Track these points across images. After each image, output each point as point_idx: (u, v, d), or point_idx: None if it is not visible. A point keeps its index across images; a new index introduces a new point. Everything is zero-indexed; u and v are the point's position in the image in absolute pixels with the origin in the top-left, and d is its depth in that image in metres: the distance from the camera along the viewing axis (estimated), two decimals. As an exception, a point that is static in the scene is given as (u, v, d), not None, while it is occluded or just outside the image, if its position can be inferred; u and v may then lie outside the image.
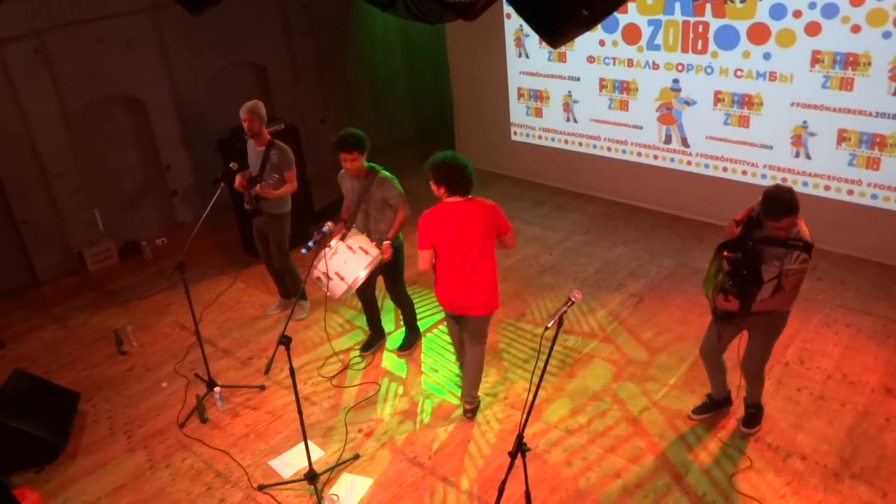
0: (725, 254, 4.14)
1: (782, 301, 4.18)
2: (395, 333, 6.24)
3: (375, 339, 6.11)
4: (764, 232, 4.11)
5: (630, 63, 7.59)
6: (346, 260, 5.12)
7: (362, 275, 5.15)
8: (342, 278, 5.12)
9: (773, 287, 4.16)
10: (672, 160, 7.71)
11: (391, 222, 5.44)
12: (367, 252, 5.18)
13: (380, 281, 5.83)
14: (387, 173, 5.43)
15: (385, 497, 4.60)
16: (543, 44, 8.28)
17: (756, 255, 4.10)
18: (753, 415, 4.80)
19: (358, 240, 5.23)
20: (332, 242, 5.10)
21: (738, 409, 4.96)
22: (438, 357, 5.92)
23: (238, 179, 6.13)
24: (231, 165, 5.94)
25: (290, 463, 4.93)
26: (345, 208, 5.67)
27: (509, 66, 8.71)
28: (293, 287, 6.57)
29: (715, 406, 4.94)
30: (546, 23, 2.63)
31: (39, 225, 7.64)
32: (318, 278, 5.19)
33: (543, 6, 2.57)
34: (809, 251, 4.03)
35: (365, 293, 5.82)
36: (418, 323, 6.17)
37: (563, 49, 8.09)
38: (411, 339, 6.04)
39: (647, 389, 5.30)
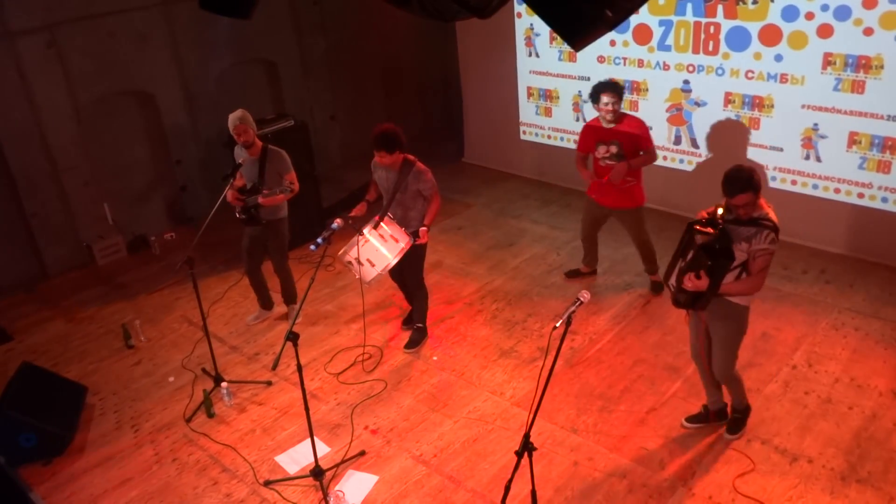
0: (697, 227, 4.12)
1: (748, 286, 4.14)
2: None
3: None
4: (734, 216, 4.14)
5: (640, 63, 7.57)
6: (377, 248, 5.39)
7: (393, 262, 5.39)
8: (373, 265, 5.39)
9: (738, 274, 4.15)
10: (681, 161, 7.69)
11: (422, 210, 5.63)
12: (397, 241, 5.42)
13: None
14: (421, 165, 5.57)
15: (390, 494, 4.60)
16: (554, 43, 8.28)
17: (727, 234, 4.10)
18: (738, 419, 4.75)
19: (389, 229, 5.46)
20: (364, 231, 5.39)
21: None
22: (445, 355, 5.92)
23: (230, 194, 5.86)
24: (240, 161, 5.93)
25: (296, 459, 4.94)
26: (371, 191, 5.85)
27: (519, 65, 8.70)
28: (287, 293, 6.50)
29: (709, 418, 4.89)
30: (568, 25, 2.62)
31: (49, 218, 7.67)
32: (350, 263, 5.47)
33: (566, 8, 2.56)
34: (777, 233, 4.06)
35: (401, 281, 6.09)
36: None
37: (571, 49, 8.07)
38: (417, 337, 6.05)
39: (653, 390, 5.29)
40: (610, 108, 5.81)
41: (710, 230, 4.09)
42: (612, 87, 5.84)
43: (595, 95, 5.88)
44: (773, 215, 4.12)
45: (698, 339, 4.59)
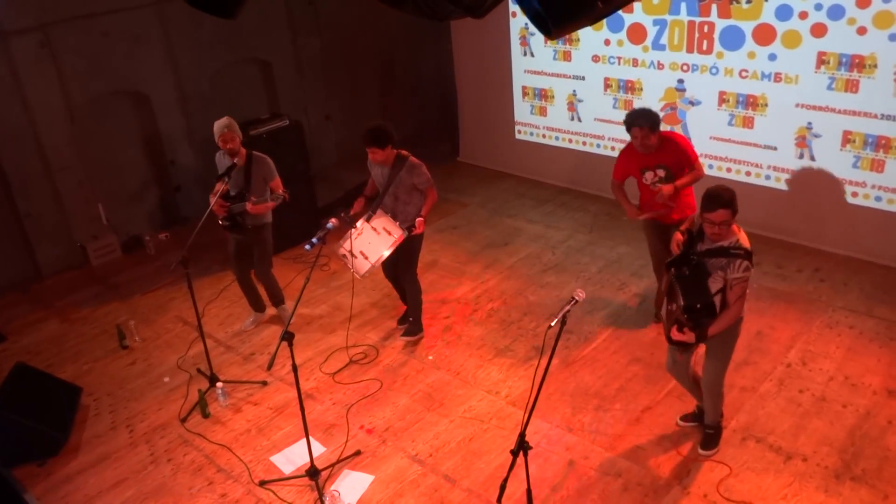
0: (674, 271, 4.17)
1: (729, 318, 4.16)
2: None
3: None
4: (706, 245, 4.17)
5: (635, 63, 7.58)
6: (371, 241, 5.43)
7: (385, 254, 5.43)
8: (366, 257, 5.42)
9: (720, 303, 4.16)
10: (676, 160, 7.70)
11: (419, 205, 5.67)
12: (390, 233, 5.46)
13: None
14: (415, 160, 5.60)
15: (386, 494, 4.60)
16: (549, 42, 8.28)
17: (703, 269, 4.14)
18: (711, 436, 4.71)
19: (382, 221, 5.50)
20: (358, 224, 5.46)
21: (738, 411, 4.97)
22: (441, 354, 5.93)
23: (215, 201, 5.78)
24: (235, 161, 5.92)
25: (292, 459, 4.94)
26: (369, 188, 5.88)
27: (514, 64, 8.71)
28: (273, 297, 6.45)
29: (703, 417, 4.88)
30: (558, 10, 2.59)
31: (43, 218, 7.65)
32: (344, 256, 5.51)
33: None
34: (751, 259, 4.09)
35: (395, 277, 6.08)
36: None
37: (567, 48, 8.09)
38: (413, 328, 6.10)
39: (648, 389, 5.30)
40: (640, 141, 5.35)
41: (685, 272, 4.13)
42: (641, 119, 5.30)
43: (627, 128, 5.41)
44: (744, 240, 4.15)
45: (684, 357, 4.55)
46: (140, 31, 7.85)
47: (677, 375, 4.73)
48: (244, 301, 6.78)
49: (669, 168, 5.46)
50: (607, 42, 7.69)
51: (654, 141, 5.35)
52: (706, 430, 4.73)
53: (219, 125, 5.76)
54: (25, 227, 7.57)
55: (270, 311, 6.63)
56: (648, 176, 5.54)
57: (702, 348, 4.47)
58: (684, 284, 4.15)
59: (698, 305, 4.11)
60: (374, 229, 5.43)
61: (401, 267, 5.89)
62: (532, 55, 8.48)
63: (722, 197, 4.03)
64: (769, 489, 4.36)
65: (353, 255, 5.43)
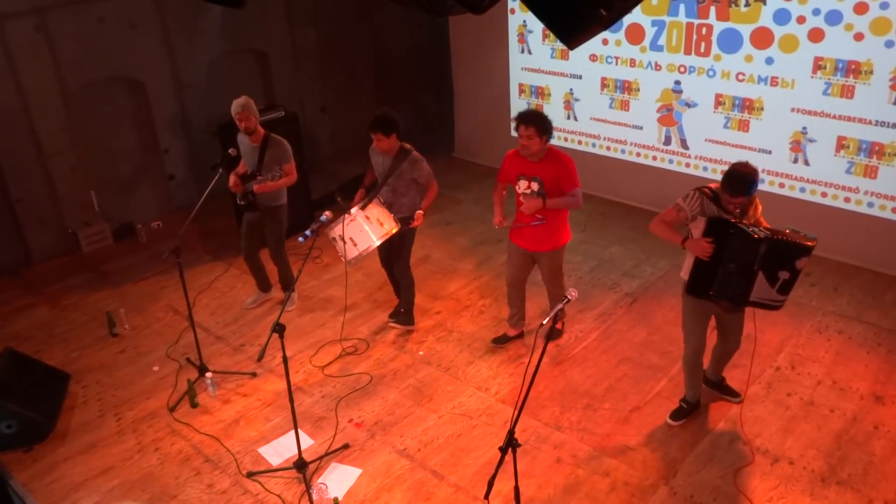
0: (765, 248, 4.21)
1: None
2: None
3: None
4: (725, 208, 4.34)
5: (632, 63, 7.58)
6: (362, 229, 5.39)
7: (375, 244, 5.39)
8: (355, 244, 5.38)
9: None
10: (671, 161, 7.71)
11: (415, 197, 5.67)
12: (382, 224, 5.43)
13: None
14: (417, 154, 5.60)
15: (373, 488, 4.60)
16: (546, 40, 8.28)
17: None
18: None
19: (377, 211, 5.46)
20: (353, 210, 5.41)
21: (726, 414, 4.99)
22: (431, 350, 5.93)
23: (232, 179, 5.97)
24: (230, 151, 5.90)
25: (280, 451, 4.93)
26: (367, 176, 5.87)
27: (511, 61, 8.70)
28: (283, 281, 6.53)
29: (693, 410, 4.97)
30: (563, 23, 2.61)
31: (35, 204, 7.61)
32: (334, 239, 5.46)
33: (560, 6, 2.55)
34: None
35: (390, 269, 6.11)
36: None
37: (565, 47, 8.08)
38: (403, 319, 6.12)
39: (638, 389, 5.31)
40: (524, 141, 5.10)
41: (770, 235, 4.20)
42: (529, 120, 5.08)
43: (515, 125, 5.20)
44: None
45: (703, 335, 4.70)
46: (136, 19, 7.80)
47: (699, 360, 4.82)
48: (235, 291, 6.79)
49: (544, 183, 5.19)
50: (605, 42, 7.69)
51: (537, 147, 5.08)
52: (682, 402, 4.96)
53: (235, 104, 5.82)
54: (17, 213, 7.52)
55: (278, 295, 6.64)
56: (522, 184, 5.31)
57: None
58: (784, 240, 4.26)
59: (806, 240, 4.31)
60: (367, 218, 5.41)
61: (393, 258, 5.90)
62: (529, 52, 8.47)
63: (745, 181, 4.17)
64: (755, 491, 4.38)
65: (342, 239, 5.41)
